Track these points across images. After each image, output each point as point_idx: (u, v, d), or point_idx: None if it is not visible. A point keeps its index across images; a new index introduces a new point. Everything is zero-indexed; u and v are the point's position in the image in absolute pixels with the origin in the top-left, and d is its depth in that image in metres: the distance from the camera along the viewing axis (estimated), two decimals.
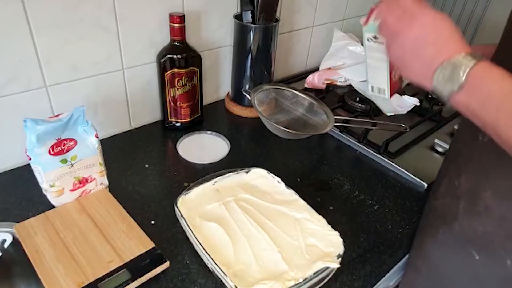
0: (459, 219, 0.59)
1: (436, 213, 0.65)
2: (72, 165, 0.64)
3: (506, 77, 0.43)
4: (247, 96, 0.91)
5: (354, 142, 0.91)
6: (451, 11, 1.42)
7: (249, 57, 0.92)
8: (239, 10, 0.94)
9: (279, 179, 0.71)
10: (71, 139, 0.63)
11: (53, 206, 0.66)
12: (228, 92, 1.05)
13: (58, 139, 0.61)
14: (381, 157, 0.86)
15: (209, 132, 0.91)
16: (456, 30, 0.48)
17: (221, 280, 0.55)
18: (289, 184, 0.70)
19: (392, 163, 0.84)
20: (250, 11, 0.89)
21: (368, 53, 0.66)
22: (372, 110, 0.99)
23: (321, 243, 0.61)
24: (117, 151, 0.83)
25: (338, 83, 1.11)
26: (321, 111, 0.89)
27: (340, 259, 0.58)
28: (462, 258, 0.60)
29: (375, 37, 0.63)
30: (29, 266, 0.56)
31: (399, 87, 0.71)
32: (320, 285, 0.56)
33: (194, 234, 0.59)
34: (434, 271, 0.66)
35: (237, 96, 1.00)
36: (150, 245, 0.60)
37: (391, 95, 0.68)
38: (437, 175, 0.68)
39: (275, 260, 0.58)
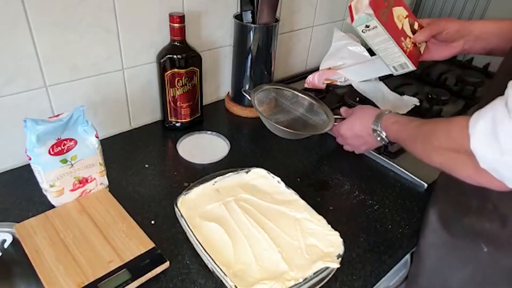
0: (470, 215, 0.60)
1: (447, 209, 0.66)
2: (72, 165, 0.64)
3: (395, 121, 0.68)
4: (247, 96, 0.91)
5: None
6: (451, 11, 1.42)
7: (249, 57, 0.92)
8: (239, 10, 0.94)
9: (279, 179, 0.71)
10: (71, 139, 0.63)
11: (53, 206, 0.66)
12: (228, 92, 1.05)
13: (58, 139, 0.61)
14: (381, 157, 0.86)
15: (209, 132, 0.91)
16: (360, 113, 0.78)
17: (221, 280, 0.55)
18: (289, 184, 0.70)
19: (392, 163, 0.84)
20: (250, 11, 0.89)
21: (371, 42, 0.69)
22: None
23: (321, 243, 0.61)
24: (117, 151, 0.83)
25: (338, 83, 1.11)
26: (321, 111, 0.89)
27: (340, 259, 0.58)
28: (471, 249, 0.61)
29: (367, 26, 0.66)
30: (29, 266, 0.56)
31: (419, 54, 0.73)
32: (320, 285, 0.56)
33: (194, 234, 0.59)
34: (439, 262, 0.67)
35: (237, 96, 1.00)
36: (150, 245, 0.60)
37: (416, 63, 0.72)
38: (442, 173, 0.69)
39: (275, 260, 0.58)
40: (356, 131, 0.76)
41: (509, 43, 0.65)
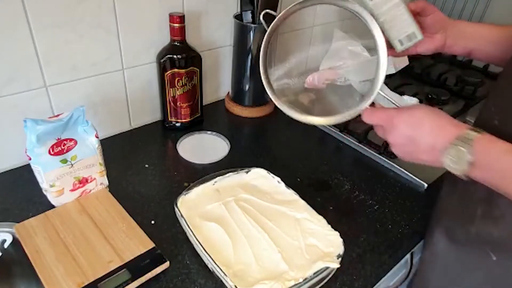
0: (475, 223, 0.59)
1: (451, 215, 0.65)
2: (72, 165, 0.64)
3: (509, 150, 0.47)
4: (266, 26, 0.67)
5: (354, 142, 0.91)
6: (451, 11, 1.42)
7: (249, 57, 0.92)
8: (239, 10, 0.94)
9: (279, 179, 0.71)
10: (71, 139, 0.63)
11: (53, 206, 0.66)
12: (228, 92, 1.05)
13: (58, 139, 0.61)
14: (381, 157, 0.86)
15: (209, 132, 0.91)
16: (436, 116, 0.52)
17: (221, 280, 0.55)
18: (289, 184, 0.70)
19: (392, 163, 0.84)
20: (250, 11, 0.89)
21: (378, 12, 0.64)
22: None
23: (321, 243, 0.61)
24: (117, 151, 0.83)
25: (338, 83, 1.11)
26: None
27: (340, 259, 0.58)
28: (478, 258, 0.61)
29: None
30: (29, 266, 0.56)
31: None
32: (320, 285, 0.56)
33: (194, 234, 0.59)
34: (448, 269, 0.66)
35: (237, 96, 1.00)
36: (150, 245, 0.60)
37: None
38: (445, 177, 0.68)
39: (275, 260, 0.58)
40: (419, 133, 0.52)
41: (488, 46, 0.65)
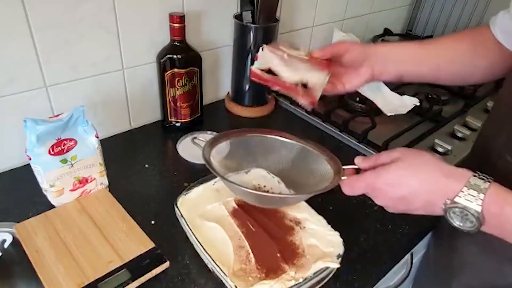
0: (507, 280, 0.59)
1: (473, 270, 0.66)
2: (72, 165, 0.64)
3: None
4: (198, 146, 0.62)
5: (354, 142, 0.90)
6: (451, 11, 1.42)
7: (249, 57, 0.92)
8: (239, 10, 0.94)
9: (279, 179, 0.71)
10: (71, 139, 0.63)
11: (53, 206, 0.66)
12: (228, 92, 1.05)
13: (58, 139, 0.61)
14: None
15: (209, 132, 0.91)
16: (419, 168, 0.47)
17: (221, 280, 0.55)
18: None
19: None
20: (250, 11, 0.89)
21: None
22: (372, 110, 0.99)
23: (321, 243, 0.61)
24: (117, 151, 0.83)
25: None
26: (319, 159, 0.61)
27: (340, 259, 0.58)
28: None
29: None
30: (29, 266, 0.56)
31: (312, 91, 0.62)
32: (320, 285, 0.56)
33: (194, 234, 0.59)
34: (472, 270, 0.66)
35: (237, 96, 1.00)
36: (150, 245, 0.60)
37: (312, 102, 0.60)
38: None
39: (275, 260, 0.58)
40: (407, 192, 0.47)
41: (417, 66, 0.64)
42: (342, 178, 0.54)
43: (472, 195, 0.43)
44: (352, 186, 0.52)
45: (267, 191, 0.63)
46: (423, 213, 0.48)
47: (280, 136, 0.63)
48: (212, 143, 0.61)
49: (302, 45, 1.21)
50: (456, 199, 0.43)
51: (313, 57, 0.60)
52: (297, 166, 0.63)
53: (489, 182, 0.43)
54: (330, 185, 0.53)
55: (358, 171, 0.55)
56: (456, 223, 0.45)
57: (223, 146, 0.62)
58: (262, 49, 0.58)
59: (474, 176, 0.44)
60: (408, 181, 0.47)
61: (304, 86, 0.58)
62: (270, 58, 0.58)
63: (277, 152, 0.64)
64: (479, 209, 0.42)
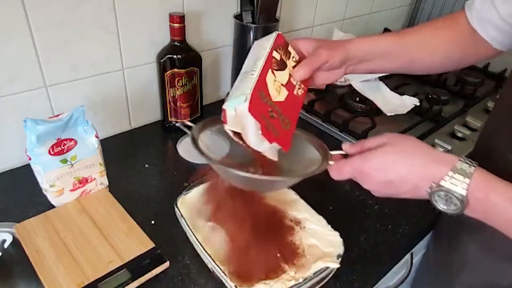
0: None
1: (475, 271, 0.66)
2: (72, 165, 0.64)
3: (509, 196, 0.43)
4: (187, 131, 0.61)
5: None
6: (451, 11, 1.42)
7: None
8: (239, 10, 0.94)
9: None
10: (71, 139, 0.63)
11: (53, 206, 0.66)
12: (228, 92, 1.05)
13: (58, 139, 0.61)
14: None
15: (209, 132, 0.91)
16: (408, 152, 0.47)
17: (221, 280, 0.55)
18: None
19: None
20: (250, 11, 0.89)
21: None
22: (372, 110, 0.99)
23: (321, 243, 0.61)
24: (117, 151, 0.83)
25: (338, 83, 1.11)
26: (307, 146, 0.61)
27: (340, 259, 0.58)
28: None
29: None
30: (29, 266, 0.56)
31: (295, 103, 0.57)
32: (320, 285, 0.56)
33: (194, 234, 0.59)
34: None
35: None
36: (150, 245, 0.60)
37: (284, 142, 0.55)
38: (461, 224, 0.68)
39: (275, 260, 0.58)
40: (395, 177, 0.47)
41: (386, 58, 0.63)
42: (330, 163, 0.54)
43: (458, 179, 0.44)
44: (339, 171, 0.53)
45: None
46: (409, 197, 0.49)
47: None
48: (201, 128, 0.60)
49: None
50: (442, 183, 0.44)
51: (291, 82, 0.57)
52: (285, 153, 0.61)
53: (474, 167, 0.44)
54: (318, 170, 0.54)
55: (346, 157, 0.55)
56: (440, 206, 0.46)
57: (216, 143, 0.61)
58: (247, 111, 0.49)
59: (460, 160, 0.45)
60: (396, 166, 0.47)
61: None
62: (248, 122, 0.50)
63: None
64: (464, 192, 0.43)
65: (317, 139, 0.59)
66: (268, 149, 0.53)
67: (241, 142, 0.53)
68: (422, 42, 0.63)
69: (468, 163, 0.44)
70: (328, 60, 0.58)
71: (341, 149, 0.56)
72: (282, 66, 0.58)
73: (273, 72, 0.55)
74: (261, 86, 0.52)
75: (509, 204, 0.43)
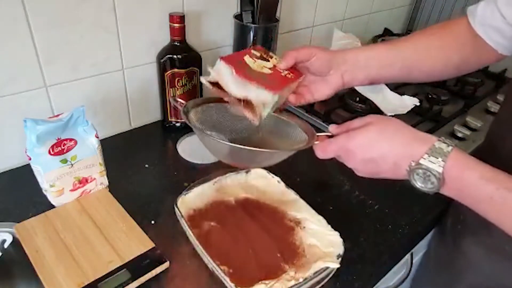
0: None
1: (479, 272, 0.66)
2: (72, 165, 0.64)
3: (483, 176, 0.45)
4: (178, 106, 0.61)
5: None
6: (451, 11, 1.42)
7: None
8: (239, 10, 0.94)
9: (279, 179, 0.71)
10: (71, 139, 0.63)
11: (53, 206, 0.66)
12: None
13: (58, 139, 0.61)
14: None
15: (209, 132, 0.91)
16: (392, 131, 0.49)
17: (221, 280, 0.55)
18: (289, 184, 0.70)
19: None
20: (250, 11, 0.89)
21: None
22: (372, 110, 0.99)
23: (321, 243, 0.61)
24: (117, 151, 0.83)
25: None
26: (291, 126, 0.62)
27: (340, 259, 0.58)
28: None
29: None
30: (29, 266, 0.56)
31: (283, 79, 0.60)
32: (320, 285, 0.56)
33: (194, 234, 0.59)
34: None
35: None
36: (150, 245, 0.60)
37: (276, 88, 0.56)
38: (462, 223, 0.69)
39: (275, 260, 0.58)
40: (377, 154, 0.49)
41: (386, 69, 0.63)
42: (315, 142, 0.55)
43: (435, 157, 0.45)
44: (324, 149, 0.54)
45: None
46: (389, 176, 0.51)
47: None
48: (193, 105, 0.61)
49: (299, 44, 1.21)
50: (421, 161, 0.46)
51: (277, 69, 0.59)
52: (273, 135, 0.63)
53: (452, 146, 0.46)
54: (304, 146, 0.55)
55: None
56: (418, 184, 0.47)
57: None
58: (219, 61, 0.55)
59: (439, 140, 0.47)
60: (379, 144, 0.49)
61: (248, 103, 0.56)
62: (223, 72, 0.55)
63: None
64: (440, 170, 0.45)
65: (305, 123, 0.61)
66: (253, 94, 0.54)
67: (226, 98, 0.56)
68: (417, 49, 0.63)
69: (446, 143, 0.46)
70: (312, 54, 0.59)
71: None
72: (263, 59, 0.60)
73: (252, 57, 0.59)
74: (238, 58, 0.58)
75: (483, 182, 0.44)
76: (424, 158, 0.46)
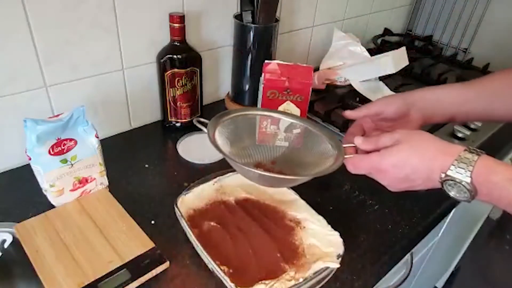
0: None
1: None
2: (72, 165, 0.64)
3: (507, 176, 0.46)
4: (203, 128, 0.60)
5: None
6: (451, 11, 1.42)
7: (249, 57, 0.92)
8: (239, 10, 0.94)
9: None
10: (71, 139, 0.63)
11: (53, 206, 0.66)
12: (228, 92, 1.05)
13: (58, 139, 0.61)
14: None
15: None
16: (420, 147, 0.51)
17: (221, 280, 0.55)
18: None
19: None
20: (250, 11, 0.89)
21: None
22: None
23: (321, 243, 0.61)
24: (117, 151, 0.83)
25: (338, 83, 1.11)
26: (320, 139, 0.63)
27: (340, 259, 0.58)
28: None
29: None
30: (29, 266, 0.56)
31: None
32: (320, 285, 0.56)
33: (194, 234, 0.59)
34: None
35: (237, 96, 1.00)
36: (150, 245, 0.60)
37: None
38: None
39: (275, 260, 0.58)
40: (409, 171, 0.50)
41: (470, 105, 0.63)
42: (346, 156, 0.57)
43: (462, 168, 0.47)
44: (356, 165, 0.55)
45: (271, 170, 0.63)
46: (423, 188, 0.52)
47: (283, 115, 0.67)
48: (216, 122, 0.61)
49: (300, 47, 1.21)
50: (448, 172, 0.47)
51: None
52: (296, 146, 0.66)
53: (478, 155, 0.47)
54: (334, 166, 0.56)
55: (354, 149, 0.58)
56: (452, 193, 0.49)
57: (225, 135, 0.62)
58: None
59: (465, 150, 0.48)
60: (410, 161, 0.50)
61: None
62: None
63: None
64: (468, 180, 0.46)
65: (329, 132, 0.63)
66: None
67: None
68: (496, 87, 0.63)
69: (473, 152, 0.47)
70: (383, 109, 0.63)
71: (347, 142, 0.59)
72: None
73: None
74: None
75: (509, 183, 0.45)
76: (451, 169, 0.47)
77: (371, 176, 0.55)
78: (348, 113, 0.66)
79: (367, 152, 0.55)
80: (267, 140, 0.67)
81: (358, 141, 0.56)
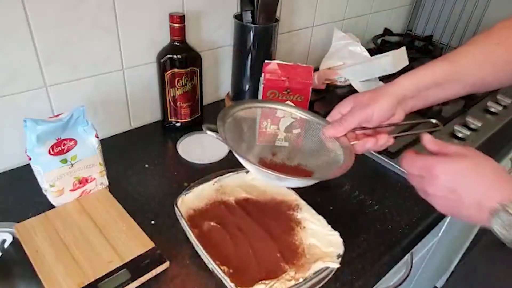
0: None
1: None
2: (72, 165, 0.64)
3: None
4: (211, 134, 0.60)
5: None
6: (451, 11, 1.42)
7: (249, 57, 0.92)
8: (239, 10, 0.94)
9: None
10: (71, 139, 0.63)
11: (53, 206, 0.66)
12: (228, 92, 1.05)
13: (58, 139, 0.61)
14: (381, 157, 0.86)
15: (209, 132, 0.91)
16: (485, 168, 0.46)
17: (221, 280, 0.55)
18: None
19: (392, 163, 0.84)
20: (250, 11, 0.89)
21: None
22: None
23: (321, 243, 0.61)
24: (117, 151, 0.83)
25: (338, 83, 1.11)
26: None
27: (340, 259, 0.58)
28: None
29: None
30: (29, 266, 0.56)
31: None
32: (320, 285, 0.56)
33: (194, 234, 0.59)
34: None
35: (237, 96, 1.00)
36: (150, 245, 0.60)
37: None
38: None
39: (275, 260, 0.58)
40: (461, 188, 0.46)
41: (444, 91, 0.60)
42: (352, 143, 0.59)
43: None
44: (411, 163, 0.51)
45: (282, 165, 0.64)
46: (469, 215, 0.46)
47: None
48: (224, 117, 0.61)
49: (300, 48, 1.21)
50: (508, 204, 0.42)
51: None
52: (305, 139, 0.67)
53: None
54: (346, 166, 0.57)
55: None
56: (499, 230, 0.43)
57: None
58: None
59: None
60: (466, 179, 0.46)
61: None
62: None
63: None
64: None
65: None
66: None
67: None
68: (480, 64, 0.58)
69: None
70: (370, 115, 0.58)
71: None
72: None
73: None
74: None
75: None
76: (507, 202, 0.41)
77: (420, 185, 0.51)
78: (332, 132, 0.62)
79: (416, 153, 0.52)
80: (271, 138, 0.68)
81: (427, 137, 0.52)
